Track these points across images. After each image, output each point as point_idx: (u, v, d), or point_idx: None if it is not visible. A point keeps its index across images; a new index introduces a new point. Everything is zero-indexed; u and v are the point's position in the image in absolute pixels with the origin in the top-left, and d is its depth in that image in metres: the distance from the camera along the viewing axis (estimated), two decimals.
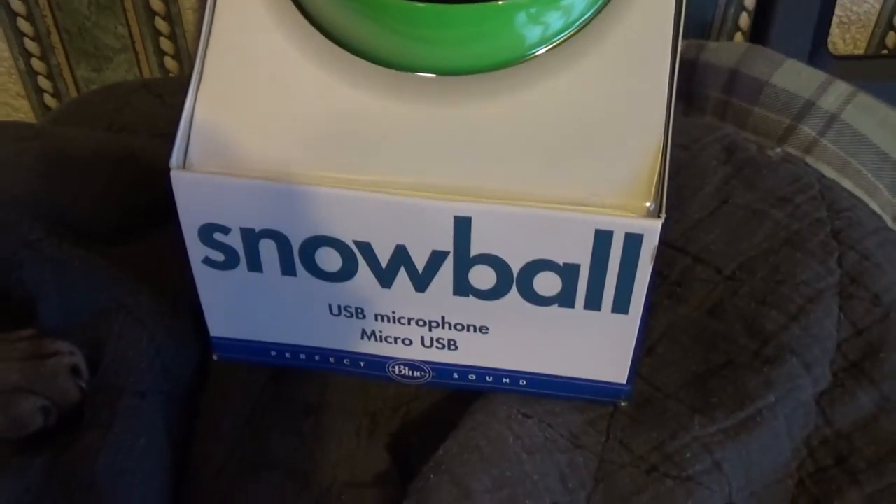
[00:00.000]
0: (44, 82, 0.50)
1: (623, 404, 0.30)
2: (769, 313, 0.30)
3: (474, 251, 0.27)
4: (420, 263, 0.27)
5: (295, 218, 0.27)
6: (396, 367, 0.31)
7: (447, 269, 0.27)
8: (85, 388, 0.31)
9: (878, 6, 0.50)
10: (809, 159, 0.38)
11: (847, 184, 0.37)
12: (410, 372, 0.31)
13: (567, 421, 0.30)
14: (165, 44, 0.49)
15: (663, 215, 0.25)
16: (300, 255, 0.28)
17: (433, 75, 0.27)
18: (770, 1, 0.42)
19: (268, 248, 0.28)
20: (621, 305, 0.27)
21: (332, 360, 0.31)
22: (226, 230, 0.28)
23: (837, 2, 0.49)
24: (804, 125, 0.38)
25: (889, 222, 0.36)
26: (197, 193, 0.27)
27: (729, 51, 0.42)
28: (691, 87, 0.43)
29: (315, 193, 0.27)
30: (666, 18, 0.28)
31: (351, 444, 0.32)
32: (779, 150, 0.37)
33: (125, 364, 0.30)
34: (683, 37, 0.46)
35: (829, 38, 0.51)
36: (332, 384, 0.32)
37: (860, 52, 0.51)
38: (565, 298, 0.27)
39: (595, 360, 0.29)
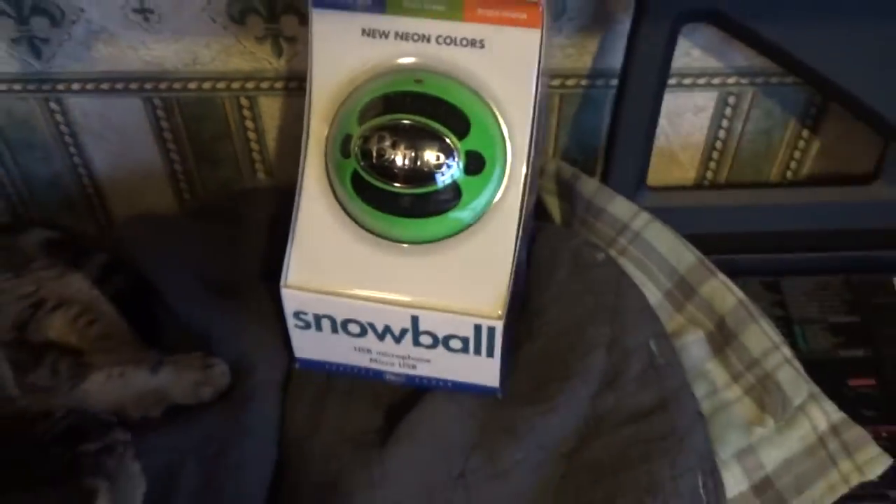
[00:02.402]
0: (182, 182, 0.80)
1: (499, 396, 0.61)
2: (572, 355, 0.61)
3: (421, 328, 0.57)
4: (396, 332, 0.58)
5: (339, 309, 0.58)
6: (388, 376, 0.62)
7: (409, 335, 0.58)
8: (229, 380, 0.61)
9: (703, 136, 0.78)
10: (622, 259, 0.67)
11: (640, 276, 0.66)
12: (395, 378, 0.62)
13: (470, 403, 0.61)
14: (256, 156, 0.79)
15: (504, 319, 0.56)
16: (341, 325, 0.59)
17: (407, 245, 0.57)
18: (611, 150, 0.71)
19: (326, 321, 0.59)
20: (490, 352, 0.58)
21: (357, 371, 0.62)
22: (305, 313, 0.59)
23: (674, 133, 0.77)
24: (621, 238, 0.68)
25: (661, 298, 0.66)
26: (293, 298, 0.58)
27: (588, 185, 0.70)
28: (572, 200, 0.72)
29: (348, 301, 0.57)
30: (514, 215, 0.57)
31: (365, 409, 0.63)
32: (602, 254, 0.67)
33: (269, 366, 0.61)
34: (576, 163, 0.74)
35: (675, 157, 0.80)
36: (357, 381, 0.63)
37: (696, 162, 0.80)
38: (464, 349, 0.58)
39: (484, 376, 0.60)
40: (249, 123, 0.76)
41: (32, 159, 0.78)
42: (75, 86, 0.72)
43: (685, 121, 0.76)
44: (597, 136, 0.77)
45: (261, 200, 0.76)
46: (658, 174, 0.79)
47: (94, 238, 0.82)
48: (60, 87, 0.72)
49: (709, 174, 0.81)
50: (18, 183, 0.80)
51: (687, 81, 0.73)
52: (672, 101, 0.74)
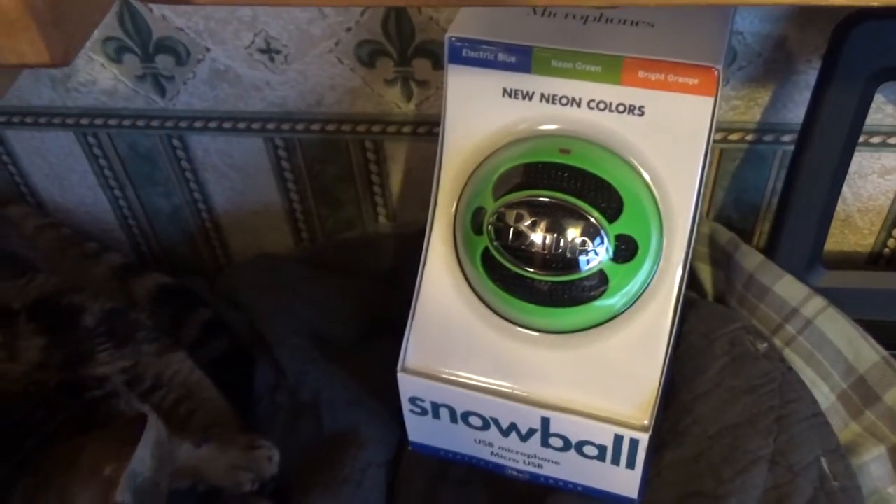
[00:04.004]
0: (300, 221, 0.76)
1: None
2: (726, 468, 0.52)
3: (552, 431, 0.50)
4: (523, 430, 0.51)
5: (459, 399, 0.52)
6: (510, 472, 0.55)
7: (538, 435, 0.51)
8: (275, 470, 0.55)
9: (888, 201, 0.67)
10: (788, 351, 0.58)
11: (809, 373, 0.57)
12: (517, 474, 0.55)
13: None
14: (378, 199, 0.74)
15: (651, 430, 0.48)
16: (461, 416, 0.53)
17: (540, 333, 0.50)
18: (782, 217, 0.61)
19: (444, 410, 0.53)
20: (631, 465, 0.50)
21: (475, 461, 0.56)
22: (422, 400, 0.53)
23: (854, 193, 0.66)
24: (788, 325, 0.58)
25: (834, 400, 0.56)
26: (409, 384, 0.52)
27: (750, 257, 0.61)
28: (728, 271, 0.63)
29: (469, 392, 0.51)
30: (668, 310, 0.49)
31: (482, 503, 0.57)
32: (765, 345, 0.57)
33: (380, 444, 0.56)
34: (733, 224, 0.65)
35: (852, 220, 0.69)
36: (474, 470, 0.57)
37: (877, 228, 0.69)
38: (600, 458, 0.51)
39: (621, 485, 0.52)
40: (373, 167, 0.71)
41: (154, 193, 0.76)
42: (198, 123, 0.69)
43: (869, 182, 0.66)
44: (759, 195, 0.68)
45: (381, 250, 0.71)
46: (829, 238, 0.68)
47: (210, 274, 0.79)
48: (183, 124, 0.69)
49: (891, 242, 0.70)
50: (140, 216, 0.78)
51: (875, 140, 0.62)
52: (855, 161, 0.63)
